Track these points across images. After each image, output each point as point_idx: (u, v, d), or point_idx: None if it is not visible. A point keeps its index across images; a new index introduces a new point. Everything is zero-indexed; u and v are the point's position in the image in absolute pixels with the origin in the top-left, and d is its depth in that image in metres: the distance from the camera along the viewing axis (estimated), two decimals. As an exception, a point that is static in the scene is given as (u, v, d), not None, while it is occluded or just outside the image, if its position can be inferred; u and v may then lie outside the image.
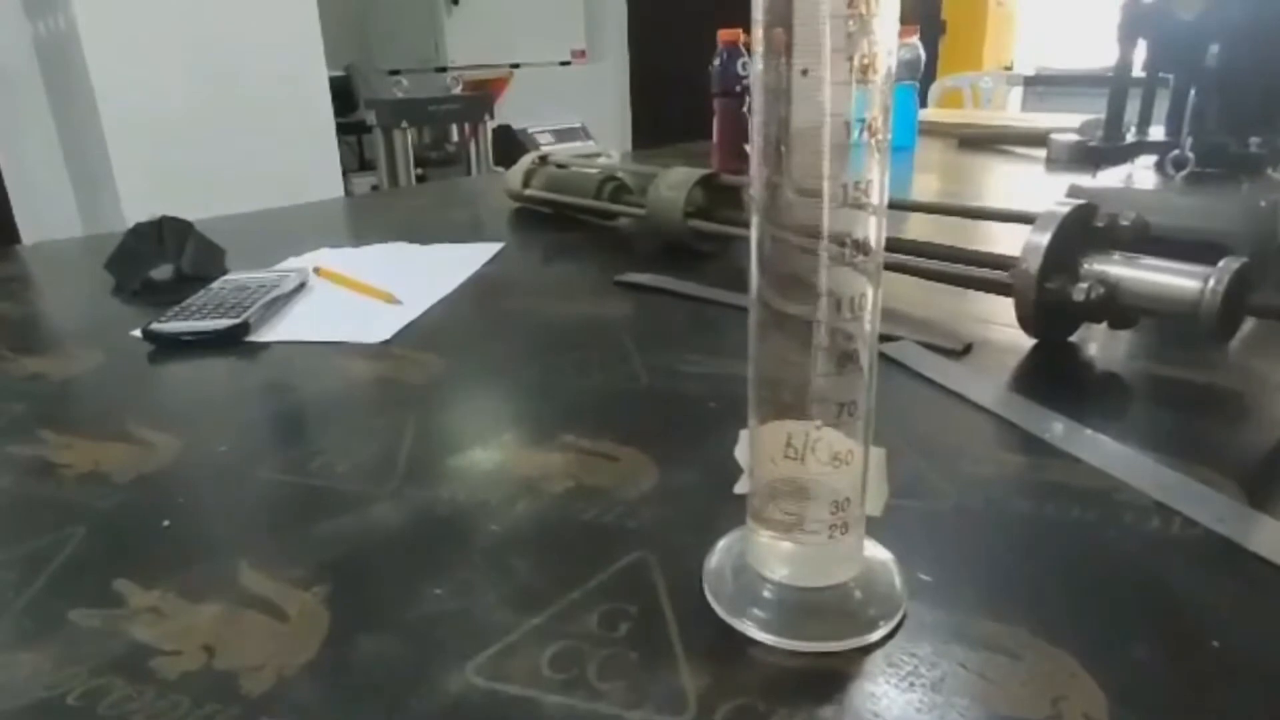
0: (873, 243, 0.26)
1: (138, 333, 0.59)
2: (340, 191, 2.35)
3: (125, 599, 0.31)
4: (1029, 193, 1.04)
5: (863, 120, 0.24)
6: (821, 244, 0.26)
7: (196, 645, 0.28)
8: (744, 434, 0.29)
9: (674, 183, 0.76)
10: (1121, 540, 0.32)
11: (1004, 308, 0.52)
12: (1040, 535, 0.33)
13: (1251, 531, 0.31)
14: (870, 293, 0.26)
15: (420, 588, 0.31)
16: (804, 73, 0.24)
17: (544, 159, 1.00)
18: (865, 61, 0.23)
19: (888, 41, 0.24)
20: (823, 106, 0.24)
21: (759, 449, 0.28)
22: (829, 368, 0.26)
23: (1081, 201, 0.49)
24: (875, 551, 0.30)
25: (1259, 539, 0.31)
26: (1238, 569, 0.30)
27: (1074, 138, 1.17)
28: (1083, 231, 0.49)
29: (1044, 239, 0.47)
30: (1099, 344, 0.52)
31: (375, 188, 2.88)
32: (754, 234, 0.27)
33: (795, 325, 0.27)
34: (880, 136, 0.25)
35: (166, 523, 0.36)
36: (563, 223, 0.91)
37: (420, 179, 2.85)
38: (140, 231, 0.76)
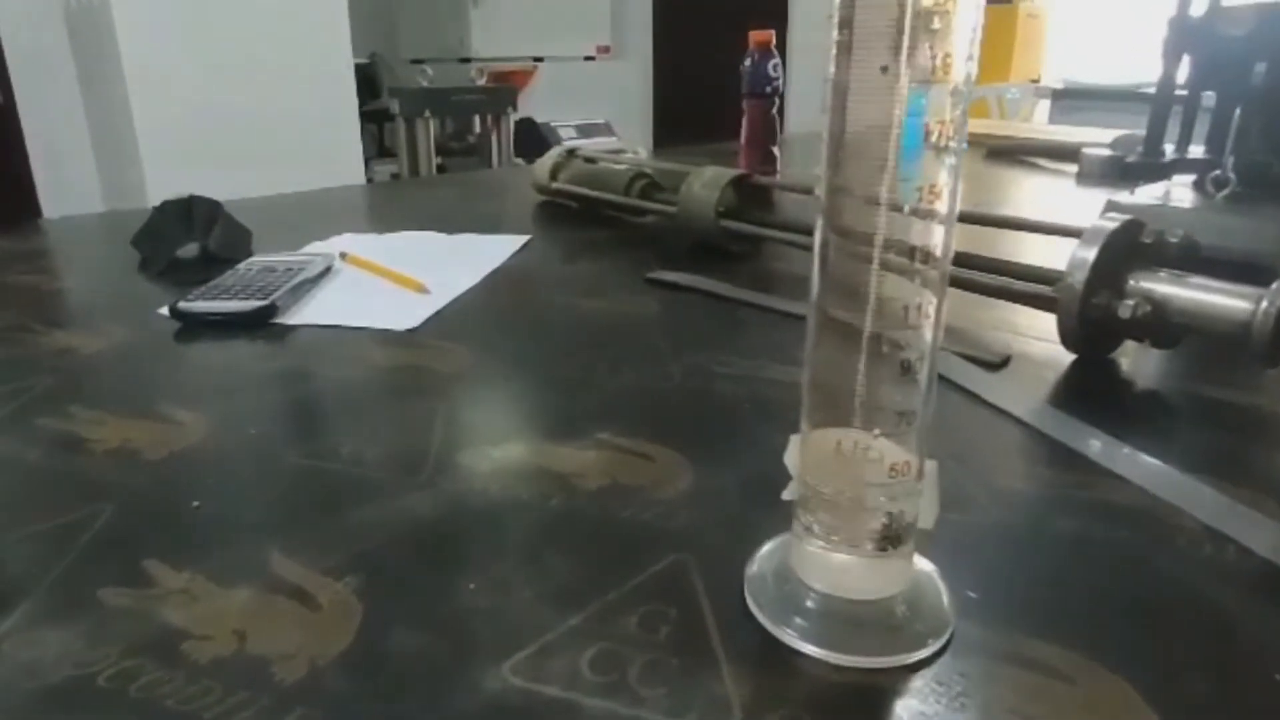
0: (939, 251, 0.25)
1: (165, 310, 0.59)
2: (361, 178, 2.35)
3: (156, 579, 0.30)
4: (1060, 206, 1.03)
5: (940, 122, 0.23)
6: (877, 250, 0.25)
7: (228, 630, 0.28)
8: (795, 439, 0.28)
9: (707, 181, 0.75)
10: (1174, 566, 0.31)
11: (1036, 320, 0.51)
12: (1088, 556, 0.32)
13: (1309, 562, 0.31)
14: (933, 302, 0.25)
15: (454, 582, 0.30)
16: (884, 69, 0.23)
17: (572, 153, 0.99)
18: (946, 60, 0.23)
19: (966, 44, 0.23)
20: (895, 106, 0.24)
21: (811, 455, 0.27)
22: (888, 377, 0.25)
23: (1129, 217, 0.48)
24: (922, 566, 0.29)
25: (1316, 570, 0.30)
26: (1295, 600, 0.29)
27: (1106, 153, 1.16)
28: (1129, 248, 0.48)
29: (1091, 254, 0.47)
30: (1140, 362, 0.51)
31: (395, 176, 2.89)
32: (816, 238, 0.26)
33: (855, 332, 0.26)
34: (953, 142, 0.24)
35: (196, 503, 0.36)
36: (589, 218, 0.91)
37: (440, 169, 2.86)
38: (168, 209, 0.76)
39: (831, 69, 0.24)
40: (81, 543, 0.33)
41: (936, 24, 0.22)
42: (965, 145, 0.24)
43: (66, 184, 2.35)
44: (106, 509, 0.35)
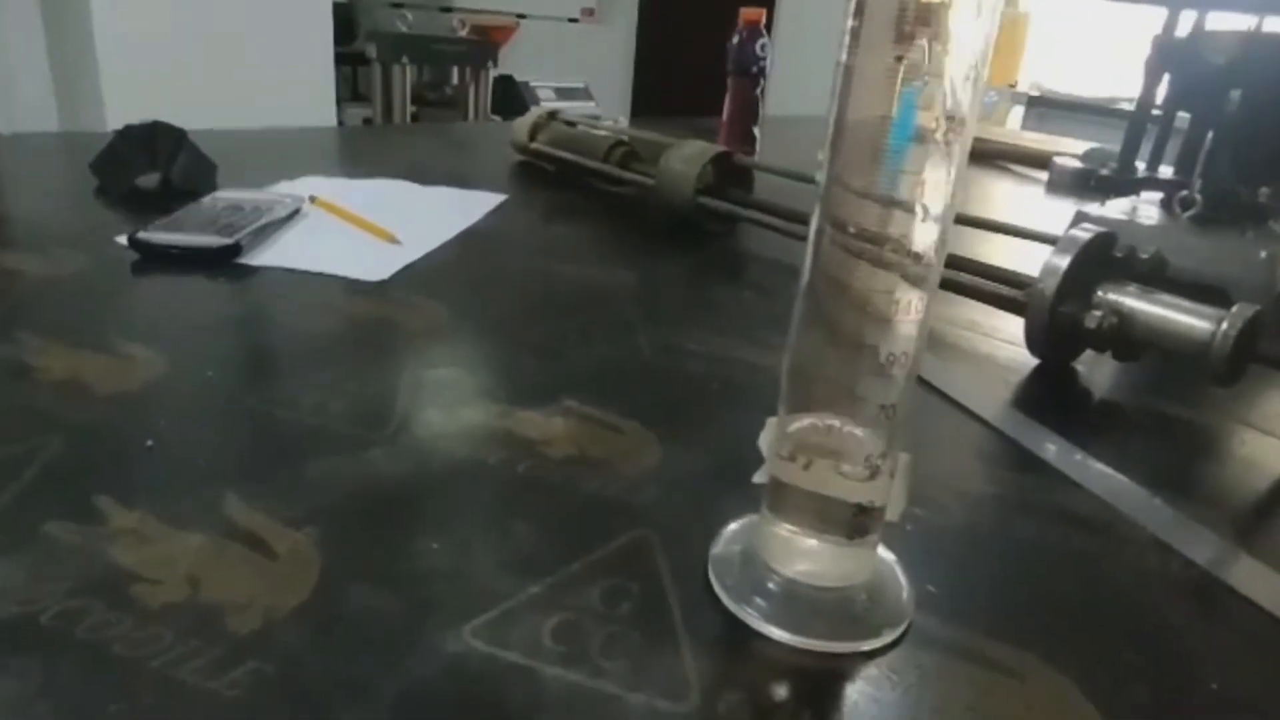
0: (929, 249, 0.25)
1: (123, 239, 0.57)
2: (333, 120, 2.29)
3: (105, 517, 0.29)
4: (1027, 213, 1.04)
5: (938, 118, 0.23)
6: (868, 243, 0.25)
7: (180, 575, 0.27)
8: (771, 422, 0.28)
9: (687, 156, 0.75)
10: (1122, 573, 0.32)
11: (1002, 321, 0.52)
12: (1042, 558, 0.33)
13: (1248, 578, 0.32)
14: (921, 299, 0.25)
15: (416, 541, 0.30)
16: (898, 59, 0.23)
17: (553, 115, 0.98)
18: (952, 55, 0.22)
19: (972, 40, 0.23)
20: (892, 97, 0.24)
21: (787, 440, 0.27)
22: (870, 369, 0.26)
23: (1102, 229, 0.49)
24: (884, 557, 0.30)
25: (1255, 586, 0.31)
26: (1235, 613, 0.30)
27: (1077, 164, 1.18)
28: (1100, 259, 0.49)
29: (1064, 262, 0.47)
30: (1099, 371, 0.53)
31: (368, 121, 2.81)
32: (812, 226, 0.26)
33: (842, 322, 0.26)
34: (953, 138, 0.24)
35: (150, 443, 0.35)
36: (565, 182, 0.89)
37: (414, 117, 2.79)
38: (130, 135, 0.73)
39: (843, 55, 0.24)
40: (27, 475, 0.32)
41: (940, 18, 0.22)
42: (967, 144, 0.24)
43: (18, 99, 2.24)
44: (53, 442, 0.34)
